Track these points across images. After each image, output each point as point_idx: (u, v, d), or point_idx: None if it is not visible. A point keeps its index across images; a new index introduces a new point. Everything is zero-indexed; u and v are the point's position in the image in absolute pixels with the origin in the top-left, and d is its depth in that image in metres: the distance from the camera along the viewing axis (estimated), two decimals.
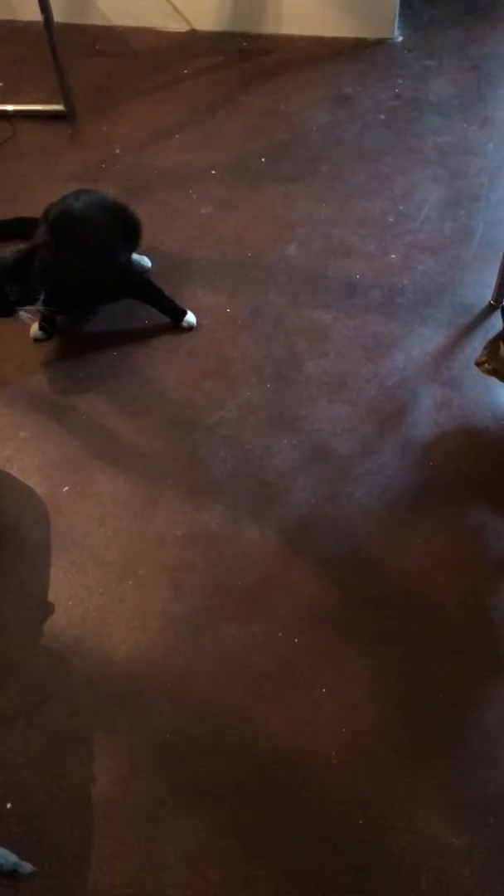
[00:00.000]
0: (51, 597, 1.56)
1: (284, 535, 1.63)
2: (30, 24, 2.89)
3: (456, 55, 2.85)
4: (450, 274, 2.11)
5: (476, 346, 1.90)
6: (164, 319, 2.03)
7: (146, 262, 2.13)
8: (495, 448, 1.76)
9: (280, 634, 1.50)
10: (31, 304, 1.79)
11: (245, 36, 2.95)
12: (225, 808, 1.30)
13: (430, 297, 2.06)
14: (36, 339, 1.99)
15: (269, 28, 2.95)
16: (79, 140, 2.57)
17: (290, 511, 1.67)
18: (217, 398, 1.88)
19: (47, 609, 1.55)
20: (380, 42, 2.90)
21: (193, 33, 2.99)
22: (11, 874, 1.24)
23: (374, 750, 1.36)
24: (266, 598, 1.55)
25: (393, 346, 1.96)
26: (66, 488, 1.72)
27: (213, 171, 2.42)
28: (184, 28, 2.99)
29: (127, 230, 2.03)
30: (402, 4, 2.84)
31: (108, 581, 1.58)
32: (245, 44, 2.93)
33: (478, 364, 1.77)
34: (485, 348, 1.76)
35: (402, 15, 2.87)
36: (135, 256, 2.11)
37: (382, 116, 2.59)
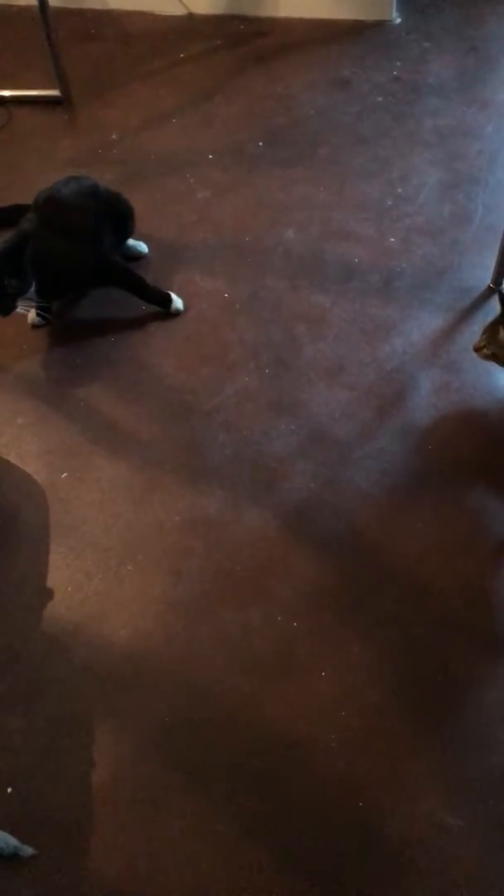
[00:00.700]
0: (50, 583, 1.56)
1: (283, 520, 1.63)
2: (25, 9, 2.87)
3: (454, 37, 2.83)
4: (449, 257, 2.10)
5: (475, 329, 1.89)
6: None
7: (143, 247, 2.12)
8: (494, 431, 1.76)
9: (279, 619, 1.50)
10: (26, 293, 1.78)
11: (242, 19, 2.92)
12: (224, 792, 1.31)
13: (428, 280, 2.05)
14: (34, 326, 1.99)
15: (267, 11, 2.92)
16: (75, 125, 2.55)
17: (289, 496, 1.67)
18: (215, 384, 1.87)
19: (46, 595, 1.55)
20: (378, 24, 2.87)
21: (190, 17, 2.96)
22: (12, 858, 1.24)
23: (372, 733, 1.36)
24: (265, 582, 1.55)
25: (392, 330, 1.96)
26: (65, 475, 1.72)
27: (211, 156, 2.41)
28: (181, 12, 2.96)
29: (117, 218, 2.02)
30: None
31: (107, 567, 1.58)
32: (242, 27, 2.90)
33: (476, 349, 1.76)
34: (483, 333, 1.75)
35: None
36: (131, 242, 2.10)
37: (381, 99, 2.57)
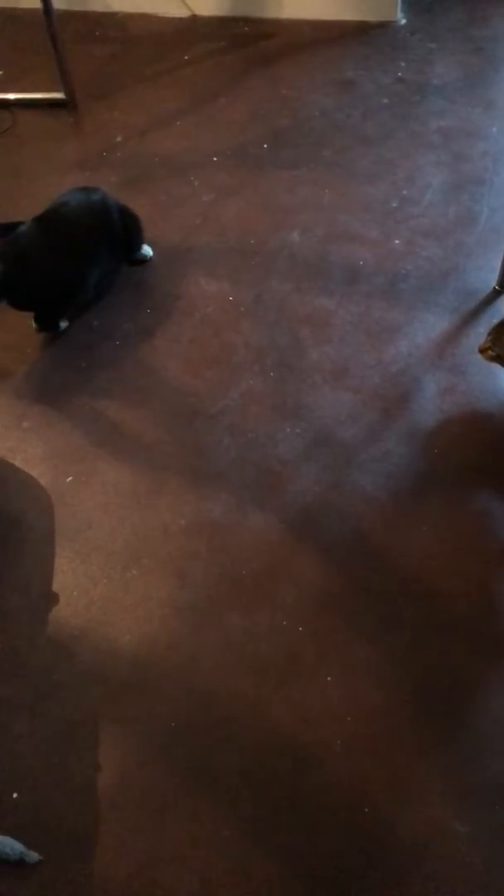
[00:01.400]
0: (55, 587, 1.56)
1: (289, 524, 1.63)
2: (29, 12, 2.86)
3: (459, 37, 2.82)
4: (454, 259, 2.09)
5: (481, 331, 1.89)
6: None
7: (148, 251, 2.12)
8: (500, 434, 1.75)
9: (285, 623, 1.50)
10: None
11: (246, 21, 2.92)
12: (231, 797, 1.31)
13: (434, 282, 2.05)
14: (39, 329, 1.99)
15: (271, 12, 2.92)
16: (79, 128, 2.55)
17: (295, 499, 1.66)
18: (220, 386, 1.87)
19: (52, 599, 1.55)
20: (382, 25, 2.87)
21: (194, 19, 2.96)
22: (18, 863, 1.24)
23: (379, 737, 1.36)
24: (270, 586, 1.55)
25: (397, 333, 1.95)
26: (70, 478, 1.72)
27: (215, 158, 2.40)
28: (185, 14, 2.96)
29: (125, 233, 2.02)
30: None
31: (113, 571, 1.58)
32: (247, 28, 2.90)
33: (481, 350, 1.75)
34: (489, 334, 1.74)
35: None
36: None
37: (385, 100, 2.57)
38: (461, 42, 2.80)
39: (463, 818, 1.26)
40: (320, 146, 2.43)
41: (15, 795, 1.32)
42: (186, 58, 2.80)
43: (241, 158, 2.41)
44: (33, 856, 1.25)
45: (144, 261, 2.11)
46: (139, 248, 2.09)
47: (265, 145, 2.44)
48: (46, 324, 1.99)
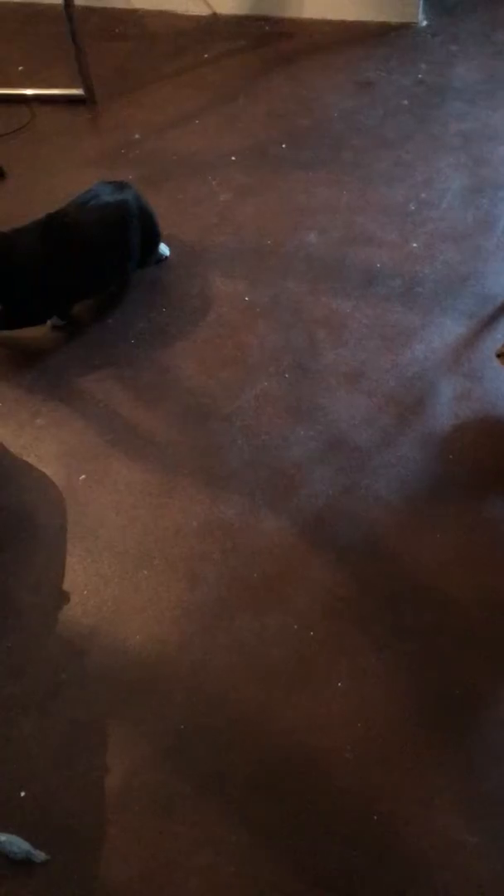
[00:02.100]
0: (66, 585, 1.56)
1: (301, 527, 1.62)
2: (50, 8, 2.87)
3: (481, 40, 2.80)
4: (472, 263, 2.08)
5: (498, 337, 1.88)
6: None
7: (165, 250, 2.11)
8: None
9: (295, 627, 1.49)
10: None
11: (267, 20, 2.91)
12: (238, 801, 1.30)
13: (451, 286, 2.03)
14: (54, 327, 1.99)
15: (292, 12, 2.91)
16: (98, 125, 2.55)
17: (307, 502, 1.66)
18: (234, 387, 1.86)
19: (63, 598, 1.54)
20: (404, 26, 2.85)
21: (215, 17, 2.95)
22: (25, 862, 1.24)
23: (388, 745, 1.35)
24: (282, 589, 1.54)
25: (413, 337, 1.94)
26: (83, 477, 1.71)
27: (233, 158, 2.40)
28: (205, 12, 2.95)
29: (144, 236, 1.99)
30: None
31: (124, 571, 1.57)
32: (267, 28, 2.89)
33: (499, 356, 1.74)
34: None
35: (427, 0, 2.83)
36: None
37: (405, 102, 2.55)
38: (483, 45, 2.78)
39: (472, 829, 1.25)
40: (339, 147, 2.41)
41: (23, 794, 1.32)
42: (206, 56, 2.80)
43: (260, 158, 2.40)
44: (40, 855, 1.24)
45: (161, 260, 2.11)
46: (156, 249, 2.08)
47: (284, 145, 2.43)
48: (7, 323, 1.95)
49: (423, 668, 1.43)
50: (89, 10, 2.95)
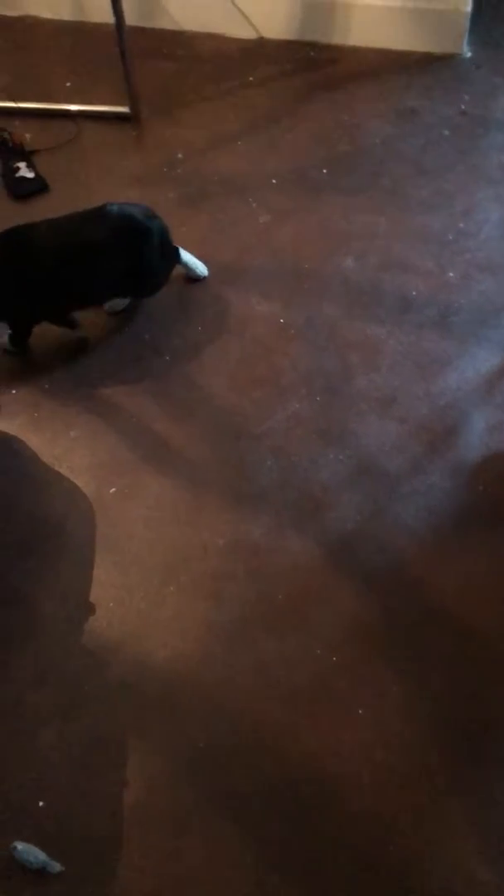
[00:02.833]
0: (92, 597, 1.57)
1: (327, 550, 1.63)
2: (99, 26, 2.92)
3: None
4: None
5: None
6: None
7: (202, 269, 2.13)
8: None
9: (318, 651, 1.49)
10: None
11: (313, 45, 2.94)
12: (254, 822, 1.30)
13: (486, 317, 2.04)
14: (5, 350, 2.01)
15: (337, 38, 2.93)
16: (141, 143, 2.59)
17: (334, 526, 1.66)
18: (266, 407, 1.87)
19: (88, 609, 1.56)
20: (448, 57, 2.87)
21: (261, 41, 2.99)
22: (40, 872, 1.25)
23: (406, 775, 1.34)
24: (306, 612, 1.54)
25: (447, 365, 1.94)
26: (113, 490, 1.73)
27: (274, 180, 2.42)
28: (252, 35, 2.99)
29: (144, 270, 1.98)
30: (473, 20, 2.81)
31: (150, 585, 1.58)
32: (312, 53, 2.92)
33: None
34: None
35: (472, 30, 2.84)
36: (191, 262, 2.10)
37: (447, 132, 2.57)
38: None
39: (490, 865, 1.24)
40: (379, 174, 2.43)
41: (41, 804, 1.33)
42: (251, 79, 2.83)
43: (300, 182, 2.42)
44: (55, 866, 1.25)
45: (199, 279, 2.13)
46: (146, 292, 2.06)
47: (324, 170, 2.45)
48: (15, 341, 1.99)
49: (445, 697, 1.43)
50: (139, 31, 2.99)
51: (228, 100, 2.75)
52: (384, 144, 2.54)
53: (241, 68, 2.87)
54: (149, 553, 1.63)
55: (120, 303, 2.05)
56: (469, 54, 2.88)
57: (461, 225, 2.27)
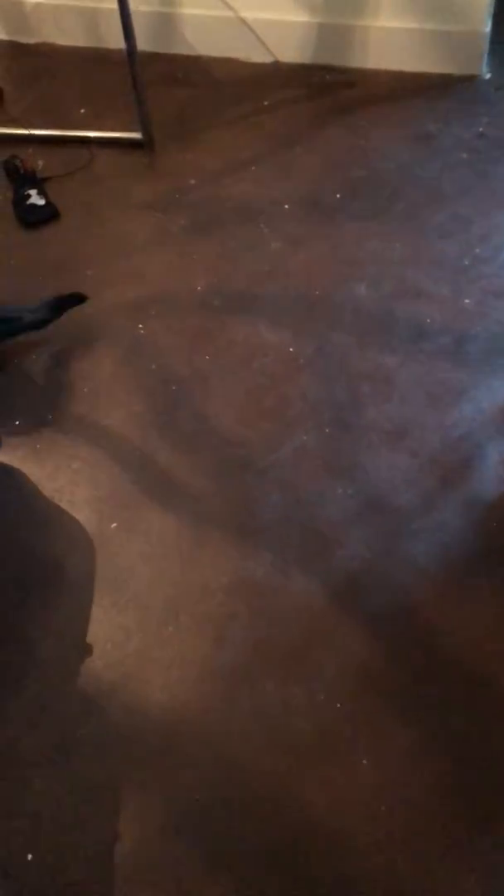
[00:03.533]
0: (90, 637, 1.53)
1: (333, 590, 1.57)
2: (115, 52, 2.92)
3: None
4: None
5: None
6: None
7: None
8: None
9: (322, 697, 1.43)
10: None
11: (329, 69, 2.92)
12: (251, 879, 1.24)
13: (503, 345, 1.97)
14: None
15: (354, 62, 2.91)
16: (154, 169, 2.57)
17: (341, 565, 1.60)
18: (273, 439, 1.83)
19: (85, 650, 1.51)
20: (467, 79, 2.83)
21: (276, 65, 2.97)
22: None
23: (412, 830, 1.28)
24: (310, 656, 1.48)
25: (461, 396, 1.88)
26: (115, 525, 1.69)
27: (287, 206, 2.39)
28: (268, 59, 2.97)
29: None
30: (491, 41, 2.77)
31: (149, 626, 1.53)
32: (328, 77, 2.89)
33: None
34: None
35: (491, 52, 2.80)
36: None
37: (465, 156, 2.52)
38: None
39: None
40: (394, 199, 2.39)
41: (29, 857, 1.27)
42: (266, 103, 2.81)
43: (313, 207, 2.38)
44: None
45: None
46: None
47: (338, 195, 2.41)
48: None
49: (454, 749, 1.36)
50: (154, 56, 3.00)
51: (243, 125, 2.73)
52: (400, 169, 2.50)
53: (256, 93, 2.85)
54: (148, 591, 1.58)
55: None
56: (488, 75, 2.83)
57: (478, 250, 2.21)
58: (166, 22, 2.97)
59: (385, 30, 2.80)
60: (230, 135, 2.68)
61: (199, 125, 2.73)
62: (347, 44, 2.87)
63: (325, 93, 2.84)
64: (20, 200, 2.40)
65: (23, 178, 2.46)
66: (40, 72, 2.98)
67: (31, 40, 3.12)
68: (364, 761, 1.36)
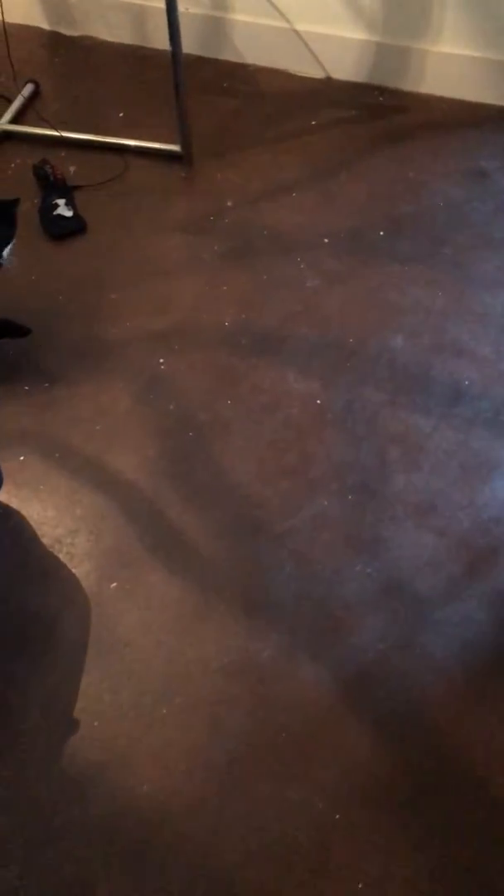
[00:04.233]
0: (77, 711, 1.42)
1: (342, 683, 1.45)
2: (160, 53, 2.79)
3: None
4: None
5: None
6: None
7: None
8: None
9: (320, 806, 1.32)
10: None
11: (382, 90, 2.77)
12: None
13: None
14: None
15: (409, 85, 2.76)
16: (191, 186, 2.44)
17: (353, 654, 1.49)
18: (292, 502, 1.71)
19: (72, 726, 1.41)
20: None
21: (328, 81, 2.82)
22: None
23: None
24: (310, 757, 1.37)
25: (496, 470, 1.76)
26: (114, 584, 1.58)
27: (326, 240, 2.25)
28: (319, 75, 2.83)
29: None
30: None
31: (142, 705, 1.43)
32: (381, 99, 2.75)
33: None
34: None
35: None
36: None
37: None
38: None
39: None
40: (441, 241, 2.25)
41: None
42: (313, 123, 2.66)
43: (354, 243, 2.25)
44: None
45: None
46: None
47: (381, 232, 2.27)
48: None
49: (465, 879, 1.25)
50: (201, 61, 2.86)
51: (287, 145, 2.59)
52: (449, 208, 2.35)
53: (304, 110, 2.71)
54: (144, 665, 1.47)
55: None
56: None
57: None
58: (216, 26, 2.83)
59: (445, 55, 2.65)
60: (273, 154, 2.54)
61: (240, 140, 2.59)
62: (404, 66, 2.72)
63: (375, 116, 2.69)
64: (47, 210, 2.28)
65: (52, 186, 2.33)
66: (80, 68, 2.85)
67: (75, 33, 2.99)
68: (360, 885, 1.25)
